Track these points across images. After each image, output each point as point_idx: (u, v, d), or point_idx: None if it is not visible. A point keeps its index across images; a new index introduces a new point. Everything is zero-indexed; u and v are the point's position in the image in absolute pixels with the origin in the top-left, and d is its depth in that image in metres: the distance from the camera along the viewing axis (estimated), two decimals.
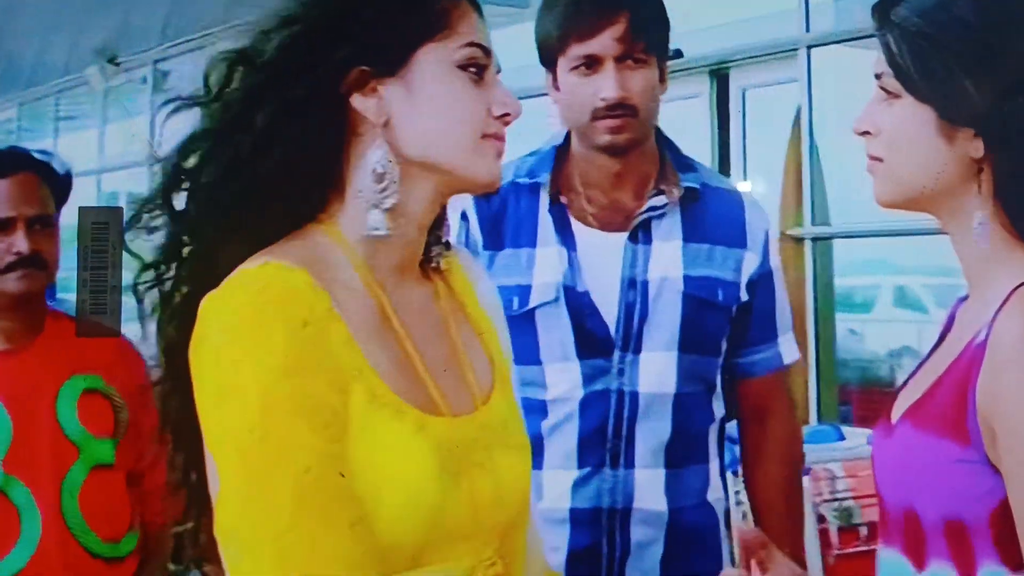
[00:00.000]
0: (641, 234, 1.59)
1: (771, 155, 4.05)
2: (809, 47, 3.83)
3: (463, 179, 1.01)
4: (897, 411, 1.10)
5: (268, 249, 0.96)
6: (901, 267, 4.24)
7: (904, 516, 1.04)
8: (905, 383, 1.13)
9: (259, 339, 0.90)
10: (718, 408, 1.65)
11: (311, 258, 0.96)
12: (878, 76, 1.07)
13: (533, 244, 1.61)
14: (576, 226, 1.60)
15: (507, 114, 1.01)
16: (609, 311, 1.57)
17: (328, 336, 0.92)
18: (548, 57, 1.60)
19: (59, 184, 1.78)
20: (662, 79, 1.60)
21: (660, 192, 1.60)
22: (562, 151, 1.64)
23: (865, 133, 1.09)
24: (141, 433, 1.80)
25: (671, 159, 1.64)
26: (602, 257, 1.58)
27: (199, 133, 1.00)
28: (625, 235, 1.59)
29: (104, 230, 1.04)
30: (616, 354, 1.57)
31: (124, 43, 6.37)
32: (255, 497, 0.88)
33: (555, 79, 1.60)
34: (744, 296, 1.62)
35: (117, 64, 6.66)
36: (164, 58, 6.50)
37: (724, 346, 1.63)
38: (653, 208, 1.59)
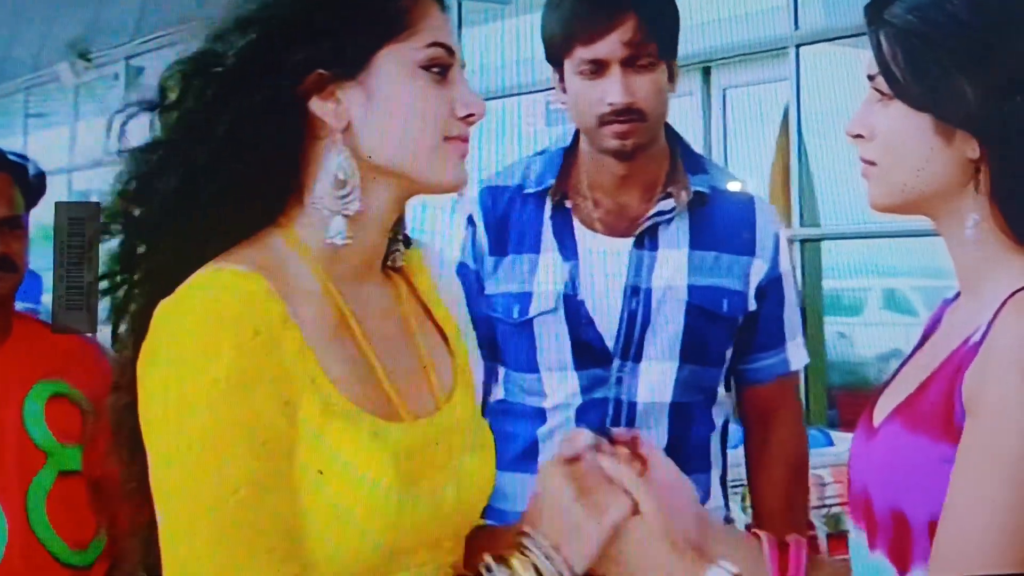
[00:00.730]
0: (647, 240, 1.59)
1: (758, 155, 4.06)
2: (798, 45, 3.85)
3: (425, 183, 1.01)
4: (880, 412, 1.10)
5: (224, 255, 0.95)
6: (890, 269, 4.26)
7: (892, 518, 1.05)
8: (886, 384, 1.14)
9: (206, 350, 0.89)
10: (719, 416, 1.65)
11: (267, 263, 0.95)
12: (871, 77, 1.08)
13: (537, 250, 1.61)
14: (580, 231, 1.60)
15: (471, 115, 1.00)
16: (610, 319, 1.57)
17: (280, 345, 0.92)
18: (554, 57, 1.60)
19: (31, 186, 1.78)
20: (672, 78, 1.59)
21: (668, 195, 1.60)
22: (569, 152, 1.64)
23: (858, 136, 1.10)
24: (110, 439, 1.79)
25: (682, 159, 1.63)
26: (606, 263, 1.59)
27: (154, 142, 0.99)
28: (631, 241, 1.59)
29: (80, 225, 1.04)
30: (615, 363, 1.57)
31: (96, 38, 6.34)
32: (181, 518, 0.89)
33: (561, 79, 1.60)
34: (752, 306, 1.62)
35: (89, 60, 6.63)
36: (137, 54, 6.48)
37: (728, 355, 1.64)
38: (660, 213, 1.59)
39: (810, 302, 3.94)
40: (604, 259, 1.59)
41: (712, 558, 1.02)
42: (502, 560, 0.96)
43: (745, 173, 4.11)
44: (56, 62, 6.67)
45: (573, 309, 1.57)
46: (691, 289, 1.58)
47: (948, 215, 1.07)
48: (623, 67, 1.53)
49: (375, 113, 0.97)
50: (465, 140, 1.01)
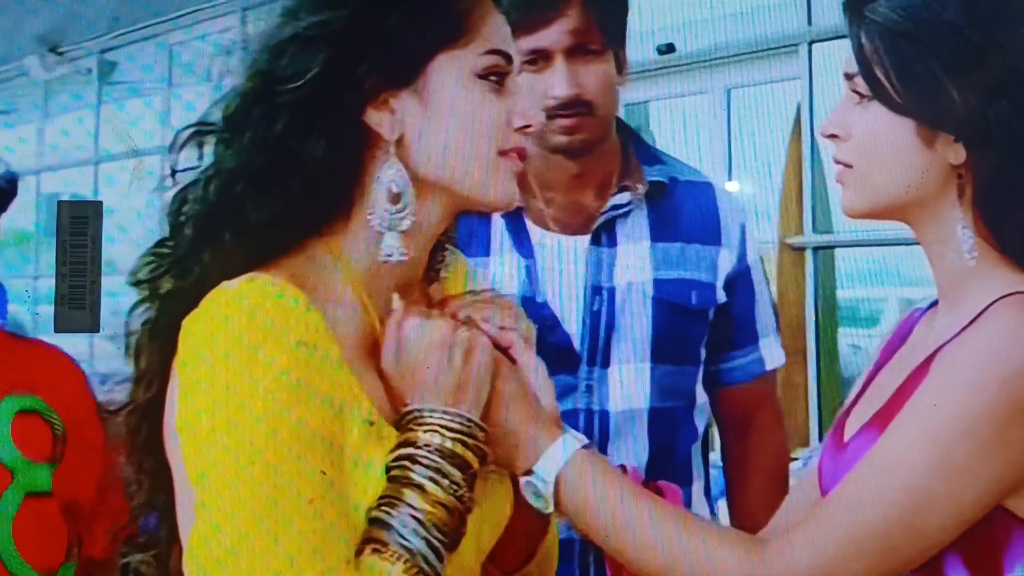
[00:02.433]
0: (605, 236, 1.57)
1: (767, 159, 4.07)
2: (811, 42, 3.86)
3: (474, 200, 1.02)
4: (852, 427, 1.12)
5: (259, 268, 0.96)
6: (909, 278, 4.27)
7: None
8: (855, 400, 1.16)
9: (256, 361, 0.90)
10: (700, 423, 1.64)
11: (302, 274, 0.97)
12: (849, 76, 1.09)
13: (487, 253, 1.59)
14: (533, 231, 1.58)
15: (528, 126, 1.01)
16: (574, 323, 1.55)
17: (325, 356, 0.94)
18: None
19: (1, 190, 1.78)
20: (621, 70, 1.57)
21: (624, 189, 1.58)
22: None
23: (833, 136, 1.10)
24: (84, 459, 1.79)
25: (635, 152, 1.62)
26: (563, 264, 1.57)
27: (211, 168, 1.00)
28: (587, 238, 1.57)
29: (83, 224, 1.06)
30: (583, 369, 1.55)
31: (68, 31, 6.35)
32: (251, 532, 0.89)
33: None
34: (722, 297, 1.61)
35: (60, 53, 6.64)
36: (112, 48, 6.49)
37: (703, 354, 1.62)
38: (616, 207, 1.57)
39: (824, 313, 3.95)
40: (561, 258, 1.57)
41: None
42: (408, 442, 0.97)
43: (752, 178, 4.12)
44: (25, 56, 6.67)
45: (534, 312, 1.54)
46: (656, 283, 1.57)
47: (928, 223, 1.08)
48: (567, 57, 1.51)
49: (430, 124, 0.99)
50: (522, 154, 1.02)
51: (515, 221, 1.58)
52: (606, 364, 1.55)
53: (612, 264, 1.57)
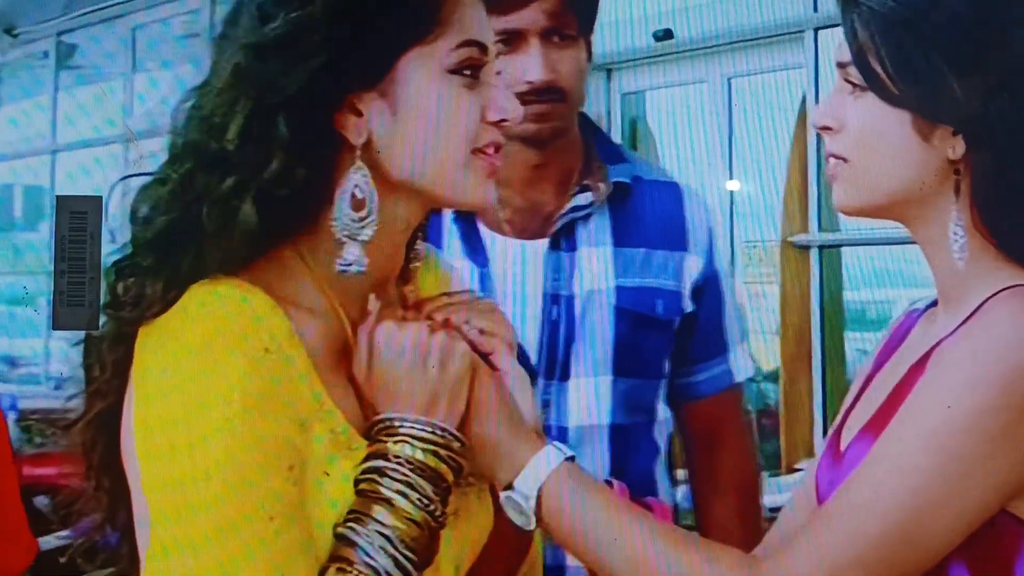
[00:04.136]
0: (564, 240, 1.56)
1: (769, 153, 4.08)
2: (816, 29, 3.87)
3: (448, 201, 1.02)
4: (848, 434, 1.12)
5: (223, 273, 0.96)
6: (919, 279, 4.28)
7: None
8: (851, 408, 1.16)
9: (216, 370, 0.90)
10: (661, 439, 1.62)
11: (270, 279, 0.96)
12: (842, 65, 1.09)
13: None
14: (487, 235, 1.57)
15: (504, 120, 1.01)
16: (531, 334, 1.54)
17: (290, 363, 0.93)
18: None
19: None
20: (589, 58, 1.57)
21: (585, 189, 1.57)
22: None
23: (825, 128, 1.10)
24: None
25: (597, 148, 1.61)
26: (519, 270, 1.55)
27: (177, 166, 0.99)
28: (545, 242, 1.56)
29: (83, 219, 1.07)
30: (540, 383, 1.54)
31: (22, 12, 6.31)
32: (207, 550, 0.89)
33: None
34: (688, 306, 1.60)
35: (14, 35, 6.60)
36: (70, 30, 6.45)
37: (667, 366, 1.61)
38: (577, 208, 1.56)
39: (830, 316, 3.96)
40: (517, 265, 1.55)
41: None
42: (377, 454, 0.96)
43: (755, 172, 4.12)
44: None
45: None
46: (619, 291, 1.55)
47: (925, 221, 1.08)
48: (541, 40, 1.51)
49: (398, 125, 0.98)
50: (497, 149, 1.01)
51: (467, 225, 1.57)
52: (564, 377, 1.54)
53: (571, 270, 1.55)
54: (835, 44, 1.10)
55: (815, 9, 3.92)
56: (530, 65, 1.50)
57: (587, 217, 1.56)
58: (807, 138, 3.91)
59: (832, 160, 1.11)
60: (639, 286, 1.56)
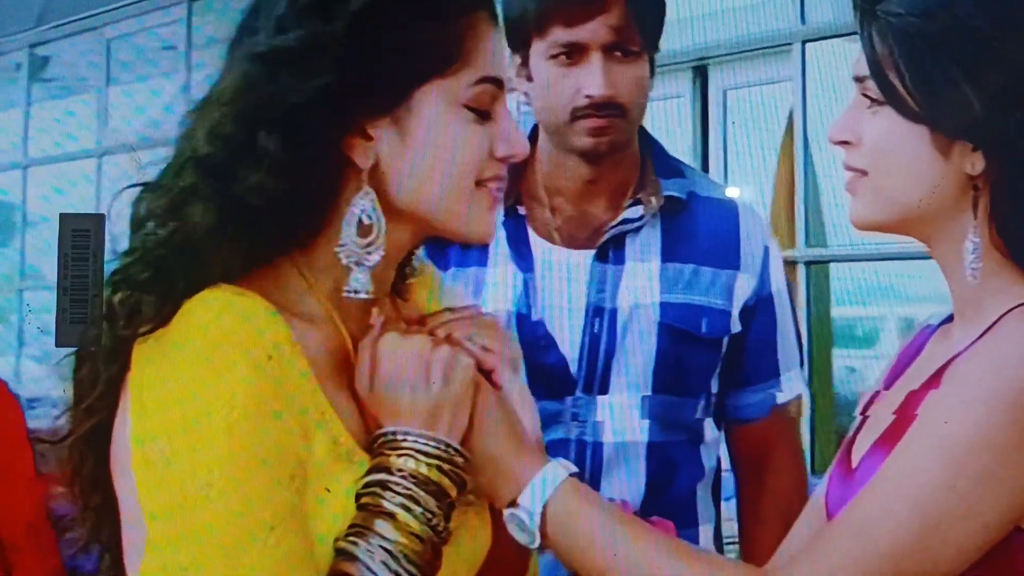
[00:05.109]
0: (612, 252, 1.56)
1: (759, 165, 4.10)
2: (804, 41, 3.90)
3: (449, 233, 1.03)
4: (859, 451, 1.12)
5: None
6: (908, 295, 4.31)
7: None
8: (862, 424, 1.17)
9: (217, 375, 0.90)
10: (708, 460, 1.62)
11: (270, 288, 0.97)
12: (859, 79, 1.10)
13: (483, 263, 1.58)
14: (535, 242, 1.58)
15: (511, 156, 1.02)
16: (571, 345, 1.55)
17: (292, 371, 0.94)
18: (519, 38, 1.56)
19: None
20: (652, 74, 1.58)
21: (638, 202, 1.58)
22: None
23: (843, 143, 1.11)
24: (13, 494, 1.78)
25: (654, 164, 1.62)
26: (565, 279, 1.56)
27: (191, 182, 0.99)
28: (592, 253, 1.57)
29: (86, 237, 1.09)
30: (577, 396, 1.54)
31: None
32: (206, 559, 0.88)
33: (524, 63, 1.57)
34: (736, 327, 1.59)
35: None
36: (42, 42, 6.44)
37: (714, 385, 1.61)
38: (627, 221, 1.57)
39: (817, 332, 3.98)
40: (562, 274, 1.56)
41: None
42: (380, 467, 0.96)
43: (739, 187, 4.13)
44: None
45: (528, 330, 1.54)
46: (663, 307, 1.55)
47: (943, 236, 1.09)
48: (604, 55, 1.52)
49: (406, 153, 0.99)
50: (500, 185, 1.03)
51: (517, 230, 1.58)
52: (603, 391, 1.54)
53: (617, 283, 1.56)
54: (851, 58, 1.11)
55: (803, 21, 3.95)
56: (590, 79, 1.52)
57: (637, 230, 1.57)
58: (794, 152, 3.94)
59: (850, 173, 1.11)
60: (685, 303, 1.57)
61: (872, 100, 1.09)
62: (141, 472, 0.91)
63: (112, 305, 0.98)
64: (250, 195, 0.95)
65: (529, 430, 1.05)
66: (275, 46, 0.96)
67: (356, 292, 0.99)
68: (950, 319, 1.15)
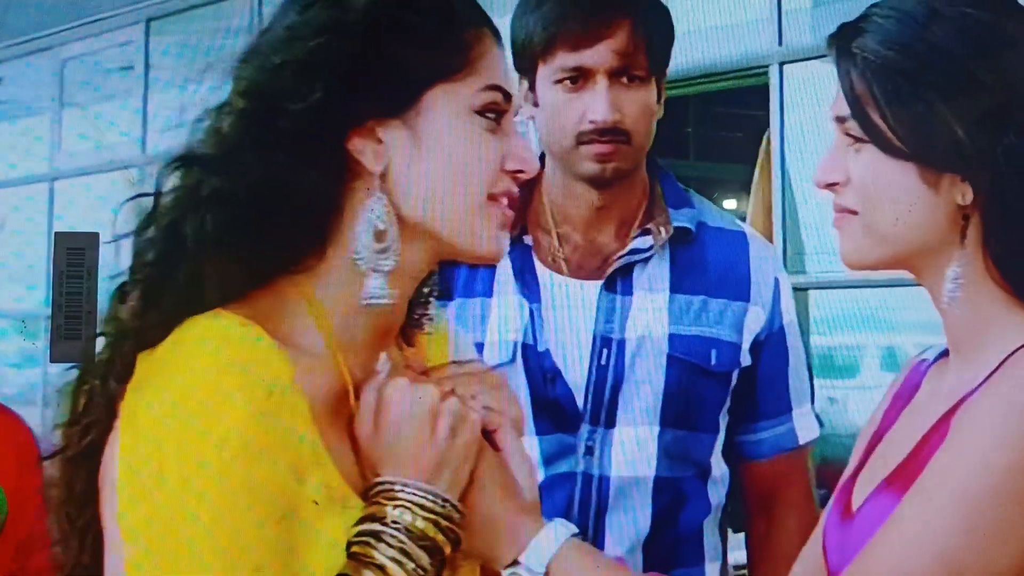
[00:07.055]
0: (620, 283, 1.58)
1: (735, 188, 4.12)
2: (782, 63, 3.92)
3: (457, 249, 1.03)
4: (860, 493, 1.12)
5: (223, 306, 0.96)
6: (890, 323, 4.33)
7: None
8: (861, 464, 1.16)
9: (214, 407, 0.90)
10: (715, 496, 1.63)
11: (269, 315, 0.97)
12: (841, 120, 1.10)
13: (489, 293, 1.60)
14: (542, 272, 1.60)
15: (522, 171, 1.03)
16: (579, 376, 1.56)
17: (291, 408, 0.93)
18: (526, 63, 1.59)
19: None
20: (659, 99, 1.60)
21: (646, 232, 1.60)
22: (531, 178, 1.63)
23: (830, 186, 1.12)
24: (24, 523, 1.77)
25: (664, 193, 1.63)
26: (572, 310, 1.57)
27: (188, 186, 1.00)
28: (600, 283, 1.58)
29: (80, 255, 1.11)
30: (584, 429, 1.55)
31: None
32: None
33: (532, 88, 1.59)
34: (746, 360, 1.61)
35: None
36: None
37: (723, 421, 1.62)
38: (636, 251, 1.59)
39: None
40: (569, 304, 1.57)
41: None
42: (374, 517, 0.95)
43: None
44: None
45: (534, 361, 1.55)
46: (672, 339, 1.57)
47: (935, 268, 1.10)
48: (610, 80, 1.54)
49: (418, 158, 1.00)
50: (511, 202, 1.04)
51: (523, 259, 1.59)
52: (610, 424, 1.55)
53: (625, 314, 1.57)
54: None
55: (780, 43, 3.98)
56: (595, 104, 1.54)
57: (646, 261, 1.59)
58: (771, 177, 3.95)
59: (840, 214, 1.12)
60: (694, 335, 1.58)
61: (855, 139, 1.09)
62: (126, 491, 0.91)
63: (118, 316, 0.98)
64: (251, 195, 0.95)
65: (528, 494, 1.05)
66: (285, 50, 0.98)
67: (374, 298, 0.99)
68: (945, 354, 1.14)
